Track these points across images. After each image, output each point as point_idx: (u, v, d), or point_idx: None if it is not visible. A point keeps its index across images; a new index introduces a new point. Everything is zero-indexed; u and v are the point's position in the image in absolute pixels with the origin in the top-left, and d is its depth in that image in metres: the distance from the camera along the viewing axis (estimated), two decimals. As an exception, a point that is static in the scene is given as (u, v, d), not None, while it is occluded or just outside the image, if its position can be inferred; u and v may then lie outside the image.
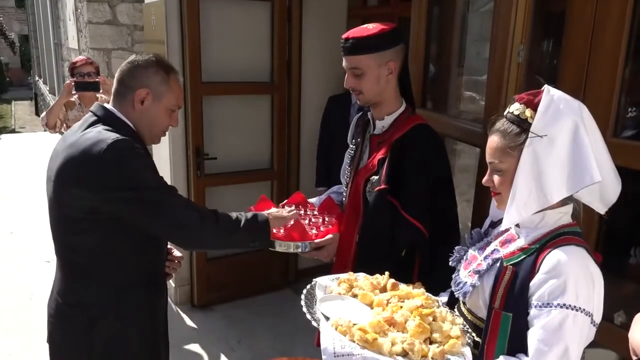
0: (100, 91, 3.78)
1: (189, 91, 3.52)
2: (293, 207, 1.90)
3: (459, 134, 2.45)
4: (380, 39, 1.79)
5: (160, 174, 1.65)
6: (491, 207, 1.56)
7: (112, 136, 1.53)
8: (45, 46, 13.54)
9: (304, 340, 3.41)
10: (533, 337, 1.22)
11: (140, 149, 1.59)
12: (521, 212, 1.28)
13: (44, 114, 3.88)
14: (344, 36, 1.84)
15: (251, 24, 3.76)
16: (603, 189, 1.31)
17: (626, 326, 1.77)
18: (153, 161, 1.68)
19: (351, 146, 2.08)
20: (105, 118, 1.63)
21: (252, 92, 3.90)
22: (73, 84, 3.64)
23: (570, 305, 1.19)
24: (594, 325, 1.25)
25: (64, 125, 3.89)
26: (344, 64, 1.86)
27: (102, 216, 1.56)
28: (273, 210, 1.85)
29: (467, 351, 1.31)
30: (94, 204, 1.53)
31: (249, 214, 1.73)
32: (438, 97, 2.98)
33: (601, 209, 1.35)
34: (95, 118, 1.64)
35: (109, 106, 1.68)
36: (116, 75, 1.69)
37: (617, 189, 1.31)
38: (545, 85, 1.30)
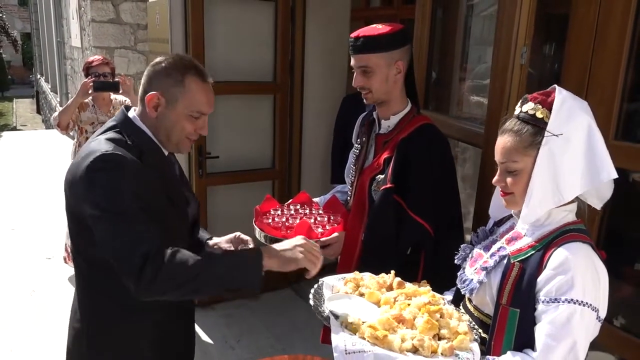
0: (120, 92, 3.72)
1: (192, 90, 3.53)
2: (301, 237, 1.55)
3: (461, 135, 2.46)
4: (390, 39, 1.81)
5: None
6: (491, 207, 1.57)
7: (104, 148, 1.41)
8: (48, 44, 13.56)
9: (303, 340, 3.42)
10: (541, 332, 1.24)
11: (131, 168, 1.42)
12: (537, 210, 1.30)
13: (56, 113, 3.82)
14: (353, 35, 1.85)
15: (255, 24, 3.77)
16: (601, 185, 1.32)
17: (626, 328, 1.79)
18: (163, 178, 1.52)
19: (356, 145, 2.09)
20: (121, 124, 1.53)
21: (255, 91, 3.91)
22: (91, 83, 3.58)
23: (577, 301, 1.21)
24: (599, 321, 1.26)
25: (76, 126, 3.86)
26: (352, 62, 1.87)
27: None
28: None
29: (475, 347, 1.32)
30: (83, 214, 1.42)
31: (233, 255, 1.47)
32: (441, 99, 2.99)
33: (597, 204, 1.37)
34: (113, 123, 1.54)
35: (132, 112, 1.57)
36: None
37: (612, 185, 1.33)
38: (555, 85, 1.32)
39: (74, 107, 3.71)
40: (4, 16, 22.43)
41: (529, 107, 1.31)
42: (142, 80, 1.55)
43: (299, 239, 1.50)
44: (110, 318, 1.55)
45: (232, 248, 1.76)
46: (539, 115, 1.29)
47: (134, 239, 1.35)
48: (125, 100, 3.89)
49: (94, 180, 1.39)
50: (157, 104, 1.50)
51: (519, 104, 1.36)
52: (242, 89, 3.84)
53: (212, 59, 3.63)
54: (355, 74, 1.87)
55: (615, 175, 1.25)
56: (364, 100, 1.92)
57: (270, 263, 1.43)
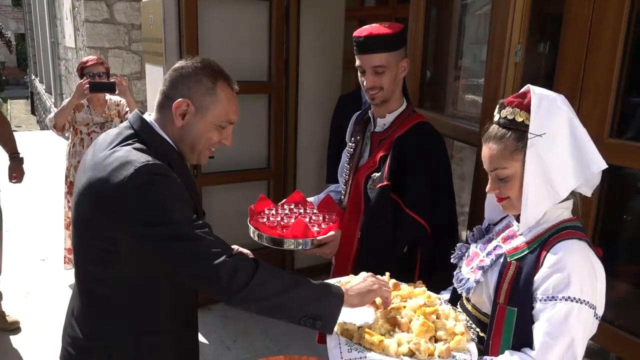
0: (116, 92, 3.71)
1: (186, 90, 3.51)
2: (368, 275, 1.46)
3: (456, 134, 2.46)
4: (398, 38, 1.84)
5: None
6: (486, 213, 1.57)
7: (142, 159, 1.29)
8: (42, 45, 13.50)
9: (299, 340, 3.41)
10: (539, 330, 1.23)
11: (175, 177, 1.34)
12: (535, 212, 1.30)
13: (52, 114, 3.80)
14: (363, 34, 1.83)
15: (249, 24, 3.76)
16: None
17: (622, 326, 1.79)
18: (188, 189, 1.40)
19: (350, 144, 2.09)
20: (142, 132, 1.40)
21: (250, 91, 3.89)
22: (87, 84, 3.55)
23: (575, 298, 1.21)
24: (597, 319, 1.26)
25: (71, 127, 3.84)
26: (360, 62, 1.86)
27: (123, 250, 1.33)
28: (348, 280, 1.43)
29: (473, 347, 1.32)
30: (114, 235, 1.32)
31: (318, 283, 1.35)
32: (436, 97, 2.99)
33: (587, 192, 1.37)
34: (131, 132, 1.40)
35: (149, 118, 1.45)
36: (161, 85, 1.49)
37: (600, 173, 1.33)
38: (528, 85, 1.32)
39: (70, 109, 3.68)
40: (-2, 17, 22.36)
41: (507, 112, 1.31)
42: (163, 86, 1.44)
43: (365, 274, 1.44)
44: (130, 345, 1.43)
45: None
46: (518, 118, 1.29)
47: (214, 247, 1.28)
48: (121, 101, 3.87)
49: (142, 196, 1.27)
50: (185, 112, 1.40)
51: (496, 110, 1.36)
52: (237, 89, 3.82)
53: (207, 58, 3.61)
54: (366, 73, 1.85)
55: (605, 166, 1.25)
56: (370, 100, 1.91)
57: (350, 299, 1.35)
